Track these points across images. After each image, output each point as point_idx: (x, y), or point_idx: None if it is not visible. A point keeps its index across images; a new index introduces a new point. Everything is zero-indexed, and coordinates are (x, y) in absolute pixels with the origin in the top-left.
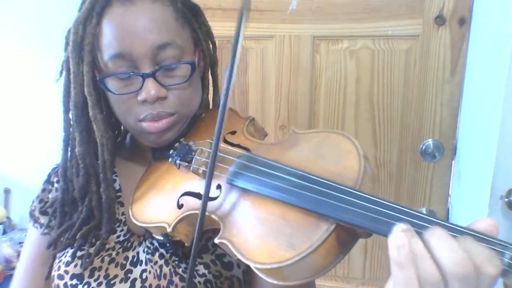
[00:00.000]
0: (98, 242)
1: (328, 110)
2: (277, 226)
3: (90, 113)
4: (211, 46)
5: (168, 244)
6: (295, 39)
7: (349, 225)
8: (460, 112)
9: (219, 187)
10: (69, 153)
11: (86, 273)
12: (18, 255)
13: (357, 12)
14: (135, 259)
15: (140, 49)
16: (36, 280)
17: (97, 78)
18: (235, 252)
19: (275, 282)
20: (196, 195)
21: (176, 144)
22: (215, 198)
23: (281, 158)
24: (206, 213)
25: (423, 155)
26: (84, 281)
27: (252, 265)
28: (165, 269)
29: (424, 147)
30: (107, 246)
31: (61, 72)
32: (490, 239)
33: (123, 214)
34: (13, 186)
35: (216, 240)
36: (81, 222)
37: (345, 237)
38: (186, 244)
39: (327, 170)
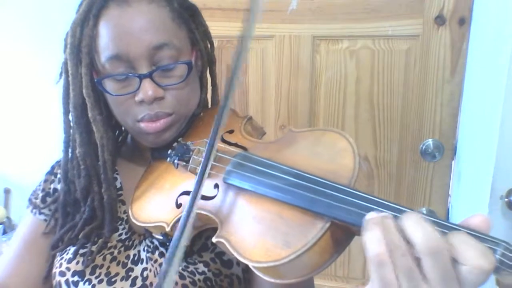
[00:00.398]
0: (100, 240)
1: (328, 110)
2: (273, 225)
3: (89, 115)
4: (209, 45)
5: (167, 243)
6: (295, 39)
7: (344, 223)
8: (460, 112)
9: (216, 186)
10: (69, 154)
11: (88, 270)
12: None
13: (357, 12)
14: (136, 258)
15: (137, 50)
16: (26, 263)
17: (95, 80)
18: (232, 251)
19: (272, 280)
20: None
21: (174, 144)
22: (212, 197)
23: (277, 157)
24: (204, 212)
25: (423, 155)
26: (85, 278)
27: (249, 264)
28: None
29: (424, 147)
30: (109, 244)
31: (60, 74)
32: (482, 236)
33: (124, 212)
34: (13, 186)
35: (214, 239)
36: (84, 222)
37: (341, 235)
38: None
39: (322, 168)
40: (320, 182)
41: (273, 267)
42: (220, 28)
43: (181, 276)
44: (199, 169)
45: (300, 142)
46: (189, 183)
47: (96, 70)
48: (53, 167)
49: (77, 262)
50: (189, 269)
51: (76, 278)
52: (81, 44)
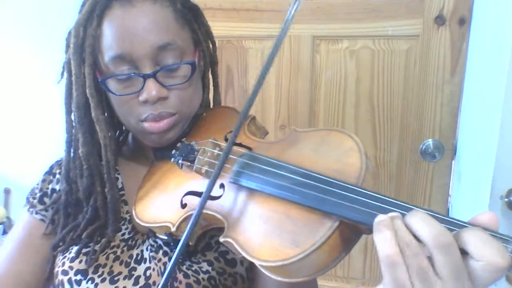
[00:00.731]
0: (103, 240)
1: (328, 110)
2: (281, 224)
3: (93, 114)
4: (211, 46)
5: (172, 243)
6: (295, 39)
7: (353, 222)
8: (460, 112)
9: (222, 186)
10: (72, 154)
11: (91, 269)
12: None
13: (357, 12)
14: (139, 257)
15: (141, 50)
16: (21, 262)
17: (99, 80)
18: (240, 250)
19: (280, 279)
20: (200, 195)
21: (178, 144)
22: (218, 197)
23: (283, 157)
24: (210, 212)
25: (423, 155)
26: (88, 277)
27: (257, 263)
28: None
29: (424, 147)
30: (112, 244)
31: (62, 74)
32: (492, 233)
33: (127, 212)
34: (13, 186)
35: (221, 239)
36: (87, 222)
37: (349, 233)
38: (190, 243)
39: (329, 167)
40: (328, 181)
41: (282, 266)
42: (221, 28)
43: (185, 275)
44: (204, 169)
45: (305, 142)
46: (194, 183)
47: (100, 70)
48: (51, 167)
49: (80, 261)
50: (193, 268)
51: (79, 277)
52: (85, 44)
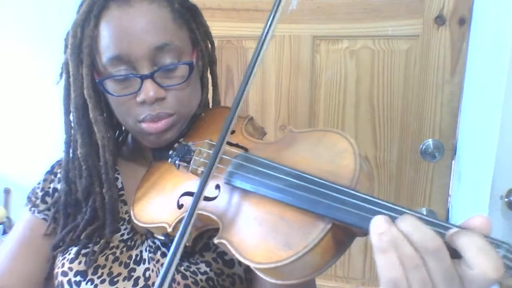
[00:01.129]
0: (102, 241)
1: (328, 110)
2: (274, 226)
3: (91, 115)
4: (209, 45)
5: (169, 244)
6: (295, 39)
7: (345, 224)
8: (460, 112)
9: (217, 187)
10: (71, 155)
11: (90, 271)
12: None
13: (357, 12)
14: (138, 258)
15: (138, 51)
16: (21, 260)
17: (97, 80)
18: (233, 252)
19: (274, 281)
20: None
21: (176, 145)
22: (213, 198)
23: (278, 158)
24: (205, 213)
25: (423, 155)
26: (88, 278)
27: (251, 265)
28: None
29: (424, 147)
30: (111, 245)
31: (61, 75)
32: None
33: (126, 212)
34: (13, 186)
35: (215, 240)
36: (86, 222)
37: (342, 236)
38: (186, 244)
39: (323, 169)
40: (321, 183)
41: (275, 268)
42: (220, 28)
43: (184, 276)
44: (200, 170)
45: (301, 142)
46: (190, 184)
47: (97, 71)
48: (53, 167)
49: (80, 262)
50: (191, 269)
51: (78, 278)
52: (82, 45)
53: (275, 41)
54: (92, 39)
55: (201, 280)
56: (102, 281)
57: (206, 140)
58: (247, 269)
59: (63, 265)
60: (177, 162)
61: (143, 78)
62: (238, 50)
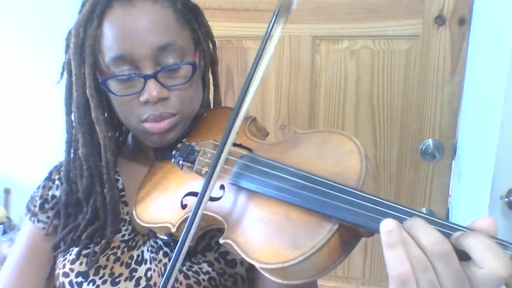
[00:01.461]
0: (103, 241)
1: (328, 110)
2: (281, 226)
3: (93, 115)
4: (211, 46)
5: (172, 244)
6: (295, 39)
7: (352, 225)
8: (460, 112)
9: (222, 187)
10: (72, 154)
11: (91, 271)
12: None
13: (357, 12)
14: (139, 258)
15: (141, 51)
16: (26, 274)
17: (99, 80)
18: (239, 252)
19: (280, 281)
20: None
21: (179, 145)
22: (218, 199)
23: (283, 158)
24: (210, 213)
25: (423, 155)
26: (89, 279)
27: (256, 265)
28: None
29: (424, 147)
30: (112, 245)
31: (61, 74)
32: (492, 239)
33: (127, 213)
34: (13, 186)
35: (221, 240)
36: (86, 222)
37: (348, 236)
38: (191, 243)
39: (329, 170)
40: (328, 184)
41: (281, 268)
42: (221, 28)
43: (186, 276)
44: (204, 170)
45: (306, 143)
46: (195, 184)
47: (100, 71)
48: (51, 173)
49: (81, 263)
50: (194, 269)
51: (80, 279)
52: (85, 45)
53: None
54: (95, 39)
55: (203, 280)
56: (104, 282)
57: (210, 141)
58: (249, 269)
59: (64, 266)
60: (180, 162)
61: (146, 78)
62: (238, 50)
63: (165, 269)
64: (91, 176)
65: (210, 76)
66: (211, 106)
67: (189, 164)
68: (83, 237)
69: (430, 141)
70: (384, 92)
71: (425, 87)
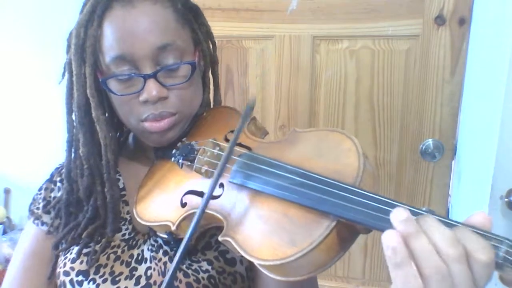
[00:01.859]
0: (103, 240)
1: (328, 110)
2: (279, 224)
3: (93, 114)
4: (211, 46)
5: (172, 242)
6: (295, 39)
7: (350, 221)
8: (460, 112)
9: (221, 185)
10: (73, 154)
11: (92, 270)
12: None
13: (357, 12)
14: (139, 257)
15: (141, 50)
16: (30, 275)
17: (100, 80)
18: (238, 249)
19: (278, 278)
20: (199, 194)
21: (179, 144)
22: (218, 197)
23: (282, 157)
24: (210, 211)
25: (423, 155)
26: (90, 278)
27: (255, 262)
28: (170, 266)
29: (424, 147)
30: (112, 244)
31: (63, 74)
32: (485, 233)
33: (128, 213)
34: (13, 186)
35: (220, 238)
36: (87, 221)
37: (346, 233)
38: (191, 242)
39: (327, 168)
40: (326, 182)
41: (280, 265)
42: (220, 28)
43: (185, 274)
44: (204, 169)
45: (304, 142)
46: (194, 182)
47: (100, 70)
48: (52, 175)
49: (81, 262)
50: (193, 267)
51: (80, 278)
52: (85, 45)
53: (275, 41)
54: (95, 39)
55: (203, 278)
56: (104, 281)
57: (210, 139)
58: (249, 268)
59: (64, 264)
60: (180, 161)
61: (146, 77)
62: (238, 50)
63: (165, 268)
64: (92, 175)
65: (210, 76)
66: (211, 106)
67: (189, 163)
68: (83, 236)
69: (430, 141)
70: (384, 92)
71: (425, 87)
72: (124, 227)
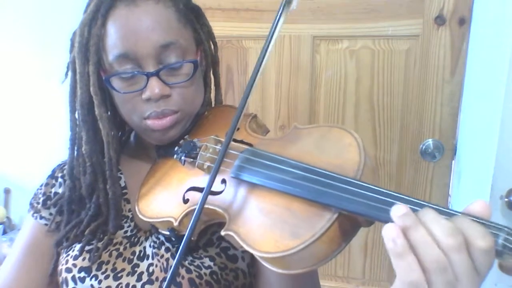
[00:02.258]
0: (106, 237)
1: (328, 110)
2: (281, 217)
3: (96, 112)
4: (212, 46)
5: (174, 239)
6: (295, 39)
7: (351, 213)
8: (460, 112)
9: (223, 181)
10: (75, 152)
11: (94, 267)
12: None
13: (357, 12)
14: (141, 254)
15: (144, 49)
16: (28, 267)
17: (103, 78)
18: (241, 243)
19: (280, 271)
20: (201, 190)
21: (181, 141)
22: (220, 192)
23: (284, 152)
24: (212, 207)
25: (423, 155)
26: (92, 274)
27: (257, 254)
28: (172, 262)
29: (424, 147)
30: (114, 241)
31: (66, 74)
32: (484, 222)
33: (129, 210)
34: (13, 186)
35: (222, 232)
36: (89, 218)
37: (347, 225)
38: (192, 238)
39: (329, 162)
40: (327, 175)
41: (282, 257)
42: (220, 28)
43: (188, 270)
44: (206, 165)
45: (306, 138)
46: (196, 179)
47: (103, 69)
48: (54, 171)
49: (84, 259)
50: (195, 263)
51: (82, 274)
52: (89, 43)
53: (275, 41)
54: (99, 38)
55: (205, 274)
56: (106, 277)
57: (212, 136)
58: (251, 264)
59: (67, 261)
60: (182, 158)
61: (148, 75)
62: (238, 50)
63: (167, 265)
64: (94, 173)
65: (212, 76)
66: (213, 106)
67: (191, 160)
68: (86, 233)
69: (430, 141)
70: (384, 92)
71: (425, 87)
72: (126, 225)
